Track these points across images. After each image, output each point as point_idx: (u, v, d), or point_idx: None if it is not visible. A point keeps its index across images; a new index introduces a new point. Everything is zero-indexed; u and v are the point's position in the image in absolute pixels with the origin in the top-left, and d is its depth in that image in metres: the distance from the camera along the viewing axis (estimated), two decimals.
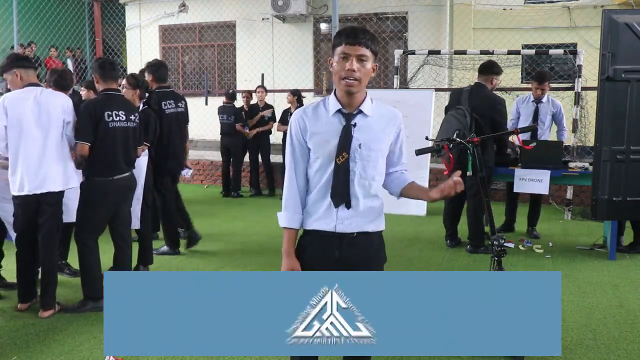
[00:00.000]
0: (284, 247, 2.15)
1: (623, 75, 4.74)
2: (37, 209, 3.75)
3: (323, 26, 11.74)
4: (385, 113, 2.15)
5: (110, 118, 3.84)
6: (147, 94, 4.96)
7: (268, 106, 8.56)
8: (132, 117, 4.00)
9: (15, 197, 3.73)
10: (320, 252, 2.12)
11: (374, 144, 2.09)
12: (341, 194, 2.07)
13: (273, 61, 11.84)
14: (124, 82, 4.60)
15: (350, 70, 1.99)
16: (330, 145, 2.07)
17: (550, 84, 6.20)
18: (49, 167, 3.71)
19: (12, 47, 10.59)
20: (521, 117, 6.15)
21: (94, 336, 3.46)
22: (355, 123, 2.08)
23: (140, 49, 13.07)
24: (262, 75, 10.05)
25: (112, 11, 12.76)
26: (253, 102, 8.65)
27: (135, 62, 12.99)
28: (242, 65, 12.24)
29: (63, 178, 3.80)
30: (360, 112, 2.09)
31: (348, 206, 2.08)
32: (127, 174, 4.02)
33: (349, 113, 2.08)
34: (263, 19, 11.92)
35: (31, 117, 3.66)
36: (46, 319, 3.72)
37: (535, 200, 6.01)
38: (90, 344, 3.36)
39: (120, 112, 3.90)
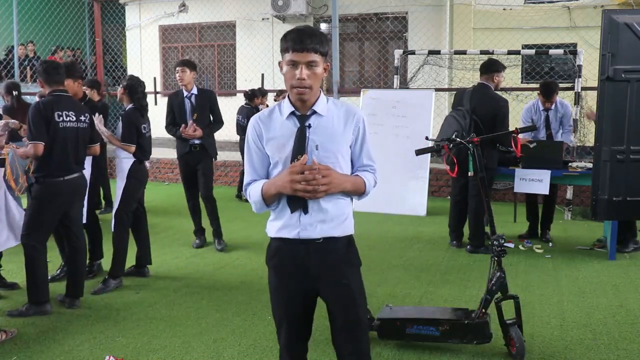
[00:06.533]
0: (273, 185, 1.98)
1: (623, 75, 4.74)
2: None
3: (323, 26, 11.73)
4: (343, 112, 2.06)
5: (61, 118, 3.78)
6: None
7: None
8: (82, 118, 3.94)
9: None
10: (289, 256, 2.06)
11: (331, 144, 2.01)
12: (297, 198, 1.97)
13: (273, 61, 11.82)
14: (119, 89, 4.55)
15: (300, 79, 1.93)
16: (287, 149, 2.00)
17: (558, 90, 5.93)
18: None
19: (12, 47, 10.58)
20: None
21: (93, 336, 3.46)
22: (310, 124, 2.01)
23: (140, 49, 13.07)
24: (262, 75, 10.04)
25: (112, 11, 12.75)
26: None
27: (135, 62, 13.00)
28: (242, 65, 12.24)
29: None
30: (314, 112, 2.02)
31: (305, 211, 1.99)
32: (77, 174, 3.94)
33: (303, 115, 2.02)
34: (263, 19, 11.92)
35: None
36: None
37: (549, 202, 5.83)
38: (90, 344, 3.36)
39: (70, 113, 3.84)
